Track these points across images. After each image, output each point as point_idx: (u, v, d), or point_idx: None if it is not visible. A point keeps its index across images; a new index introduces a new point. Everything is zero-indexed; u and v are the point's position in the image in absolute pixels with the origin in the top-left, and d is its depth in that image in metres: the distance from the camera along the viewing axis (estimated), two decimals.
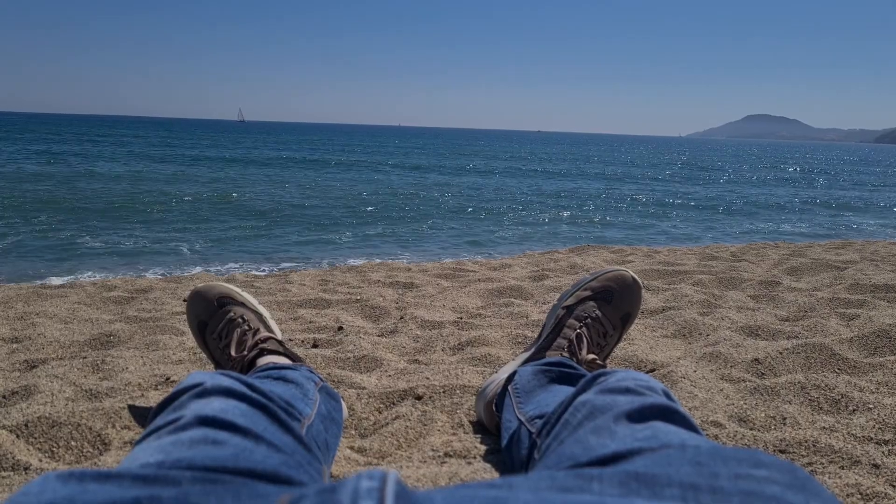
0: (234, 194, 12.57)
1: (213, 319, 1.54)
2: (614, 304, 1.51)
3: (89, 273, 5.52)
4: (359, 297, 3.05)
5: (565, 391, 1.15)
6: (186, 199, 11.61)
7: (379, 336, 2.37)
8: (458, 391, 1.66)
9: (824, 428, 1.47)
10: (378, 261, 5.55)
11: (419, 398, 1.63)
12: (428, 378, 1.78)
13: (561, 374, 1.26)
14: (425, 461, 1.30)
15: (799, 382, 1.72)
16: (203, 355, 2.00)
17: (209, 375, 0.89)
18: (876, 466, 1.26)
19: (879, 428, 1.46)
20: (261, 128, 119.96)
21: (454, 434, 1.43)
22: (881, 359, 1.94)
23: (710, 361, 1.98)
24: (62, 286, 3.58)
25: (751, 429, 1.48)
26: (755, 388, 1.71)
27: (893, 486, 1.19)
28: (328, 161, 23.78)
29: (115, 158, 21.92)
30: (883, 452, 1.34)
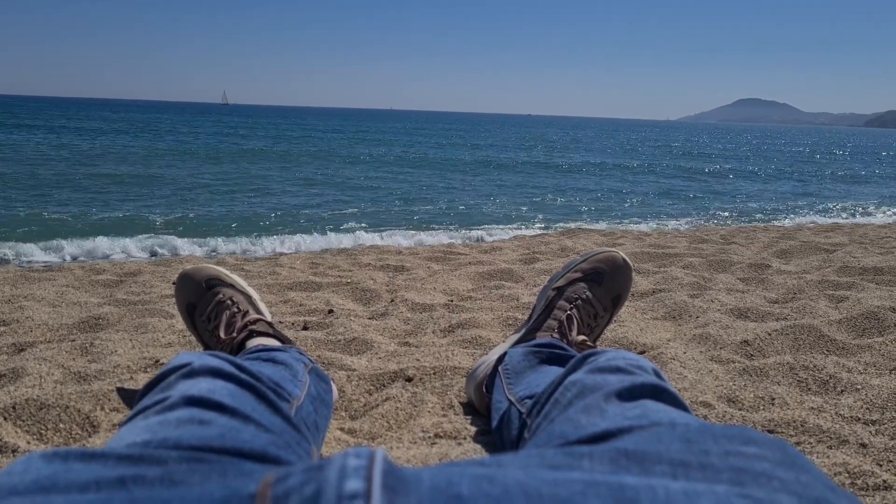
0: (224, 180, 12.49)
1: (201, 301, 1.53)
2: (605, 285, 1.51)
3: (72, 255, 5.48)
4: (349, 280, 3.05)
5: (555, 372, 1.15)
6: (176, 184, 11.52)
7: (369, 319, 2.36)
8: (448, 373, 1.66)
9: (812, 408, 1.48)
10: (369, 244, 5.54)
11: (409, 380, 1.63)
12: (418, 360, 1.77)
13: (551, 356, 1.26)
14: (415, 442, 1.30)
15: (788, 363, 1.73)
16: (192, 338, 1.99)
17: (197, 356, 0.88)
18: (863, 446, 1.27)
19: (867, 408, 1.47)
20: (246, 111, 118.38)
21: (444, 415, 1.43)
22: (869, 340, 1.95)
23: (699, 343, 1.99)
24: (50, 269, 3.56)
25: (740, 409, 1.49)
26: (744, 370, 1.72)
27: (880, 465, 1.20)
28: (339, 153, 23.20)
29: (97, 142, 21.64)
30: (870, 432, 1.35)
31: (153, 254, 5.45)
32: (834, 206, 10.36)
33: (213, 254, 5.37)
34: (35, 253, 5.38)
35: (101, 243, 5.56)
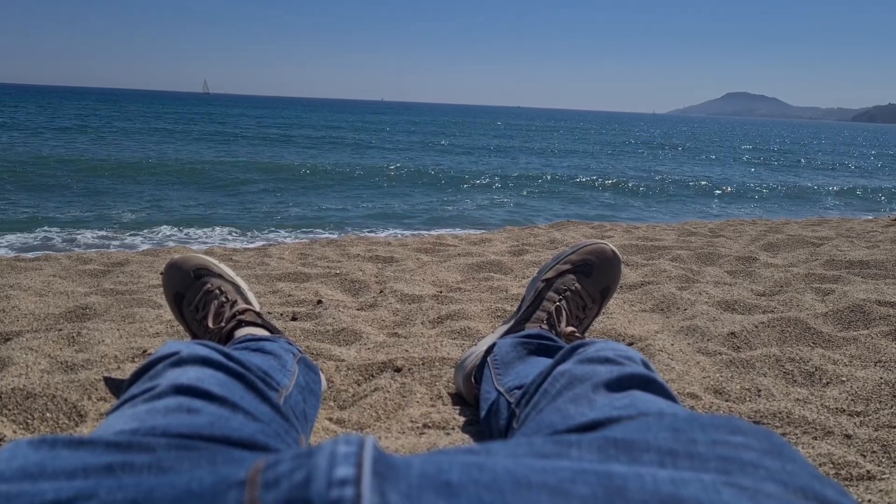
0: (206, 169, 12.39)
1: (189, 291, 1.53)
2: (594, 277, 1.51)
3: (57, 245, 5.45)
4: (338, 271, 3.04)
5: (544, 363, 1.16)
6: (159, 173, 11.43)
7: (358, 309, 2.36)
8: (437, 363, 1.66)
9: (798, 400, 1.49)
10: (358, 234, 5.53)
11: (398, 370, 1.63)
12: (407, 351, 1.78)
13: (540, 346, 1.26)
14: (404, 432, 1.30)
15: (774, 355, 1.74)
16: (180, 327, 1.98)
17: (185, 345, 0.88)
18: (848, 437, 1.28)
19: (852, 400, 1.48)
20: (228, 101, 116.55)
21: (433, 406, 1.44)
22: (855, 333, 1.97)
23: (687, 335, 2.00)
24: (37, 259, 3.53)
25: (726, 400, 1.50)
26: (731, 361, 1.73)
27: (864, 456, 1.21)
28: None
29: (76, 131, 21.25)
30: (855, 423, 1.36)
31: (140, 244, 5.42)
32: None
33: (203, 244, 5.35)
34: (21, 242, 5.35)
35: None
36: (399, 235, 6.01)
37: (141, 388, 0.79)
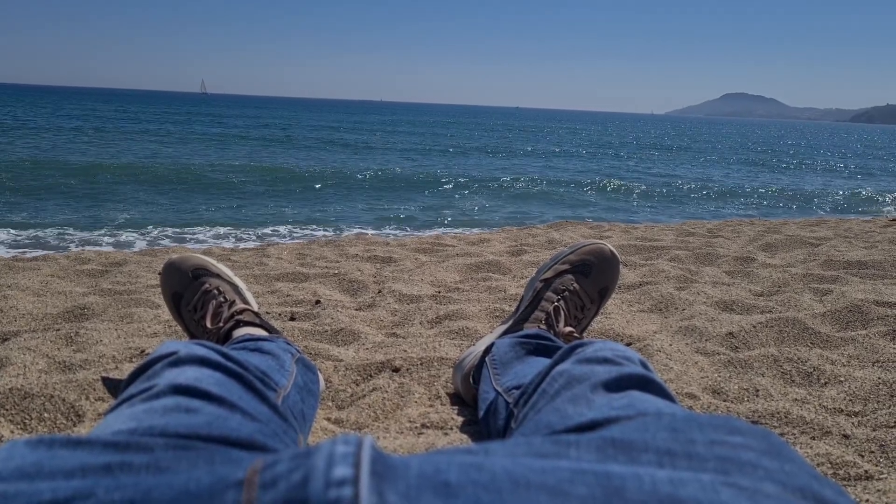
0: (199, 167, 12.35)
1: (188, 291, 1.52)
2: (592, 277, 1.51)
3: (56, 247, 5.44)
4: (336, 271, 3.04)
5: (542, 363, 1.16)
6: (154, 173, 11.41)
7: (356, 309, 2.36)
8: (435, 363, 1.66)
9: (796, 400, 1.50)
10: (356, 234, 5.53)
11: (396, 370, 1.63)
12: (405, 351, 1.77)
13: (538, 346, 1.26)
14: (402, 432, 1.30)
15: (772, 355, 1.74)
16: (178, 328, 1.98)
17: (183, 344, 0.88)
18: (846, 437, 1.28)
19: (850, 400, 1.49)
20: (226, 101, 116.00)
21: (431, 406, 1.44)
22: (853, 333, 1.97)
23: (685, 335, 2.00)
24: (35, 259, 3.53)
25: (724, 400, 1.50)
26: (729, 361, 1.73)
27: (862, 456, 1.21)
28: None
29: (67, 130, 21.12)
30: (853, 423, 1.36)
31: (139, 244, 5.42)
32: None
33: (201, 244, 5.35)
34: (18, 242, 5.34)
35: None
36: (397, 235, 6.02)
37: (139, 388, 0.78)
